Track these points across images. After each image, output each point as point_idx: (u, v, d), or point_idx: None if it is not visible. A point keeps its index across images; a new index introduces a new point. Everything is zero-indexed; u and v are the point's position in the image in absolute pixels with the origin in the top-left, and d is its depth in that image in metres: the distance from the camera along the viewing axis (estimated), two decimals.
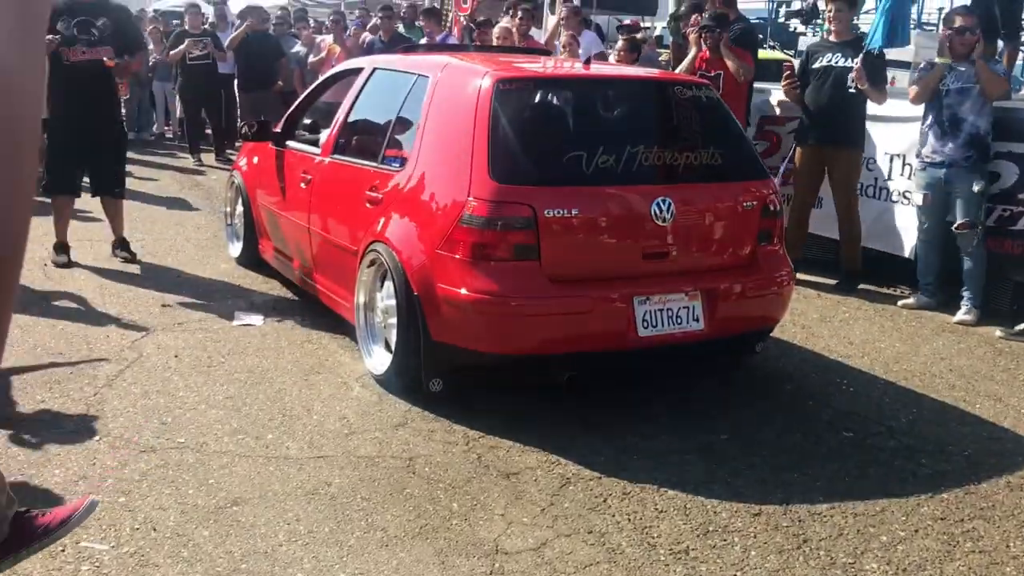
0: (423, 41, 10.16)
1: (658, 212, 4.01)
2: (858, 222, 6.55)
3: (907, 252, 6.52)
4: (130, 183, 9.90)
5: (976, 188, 5.77)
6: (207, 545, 2.96)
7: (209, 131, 12.04)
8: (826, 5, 6.84)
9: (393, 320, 4.23)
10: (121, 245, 6.60)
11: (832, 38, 6.73)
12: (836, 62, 6.43)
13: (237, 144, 9.35)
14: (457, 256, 3.93)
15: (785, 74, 6.58)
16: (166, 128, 13.93)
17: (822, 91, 6.46)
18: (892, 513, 3.36)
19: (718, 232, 4.25)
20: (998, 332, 5.64)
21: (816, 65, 6.51)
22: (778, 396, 4.49)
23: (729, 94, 6.37)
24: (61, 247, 6.36)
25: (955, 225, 5.88)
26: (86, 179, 6.53)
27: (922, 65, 6.18)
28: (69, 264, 6.28)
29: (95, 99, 6.19)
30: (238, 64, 11.05)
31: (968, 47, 5.81)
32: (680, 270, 4.12)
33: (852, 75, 6.28)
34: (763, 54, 10.01)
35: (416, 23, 11.52)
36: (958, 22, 5.90)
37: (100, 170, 6.47)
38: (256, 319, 5.33)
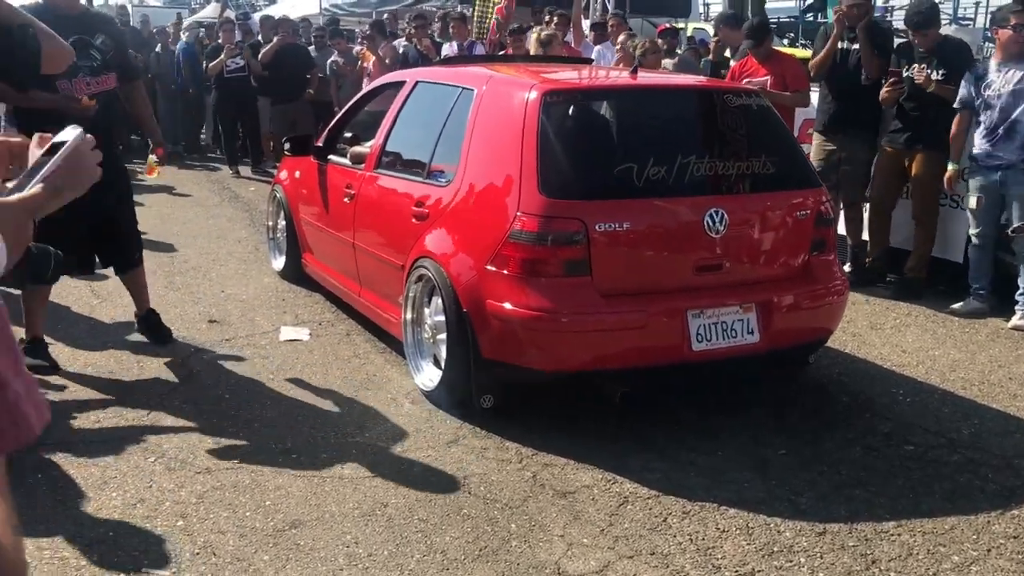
0: (446, 48, 10.13)
1: (711, 224, 3.95)
2: (933, 229, 6.41)
3: (956, 256, 6.40)
4: (170, 197, 10.04)
5: None
6: (268, 570, 2.94)
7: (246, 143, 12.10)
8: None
9: (442, 336, 4.20)
10: (147, 322, 5.11)
11: (920, 48, 6.43)
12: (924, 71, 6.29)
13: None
14: (507, 272, 3.90)
15: (892, 80, 6.32)
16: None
17: (910, 99, 6.32)
18: (962, 531, 3.27)
19: (771, 242, 4.18)
20: None
21: (907, 73, 6.35)
22: (834, 409, 4.41)
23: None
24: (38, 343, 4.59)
25: (1011, 229, 5.76)
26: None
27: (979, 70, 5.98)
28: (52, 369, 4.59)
29: (104, 144, 4.40)
30: (269, 76, 11.08)
31: (1020, 46, 5.67)
32: (734, 282, 4.06)
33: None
34: (800, 53, 9.91)
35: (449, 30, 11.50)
36: (1012, 20, 5.77)
37: (118, 239, 4.90)
38: (303, 334, 5.33)
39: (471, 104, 4.42)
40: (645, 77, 4.62)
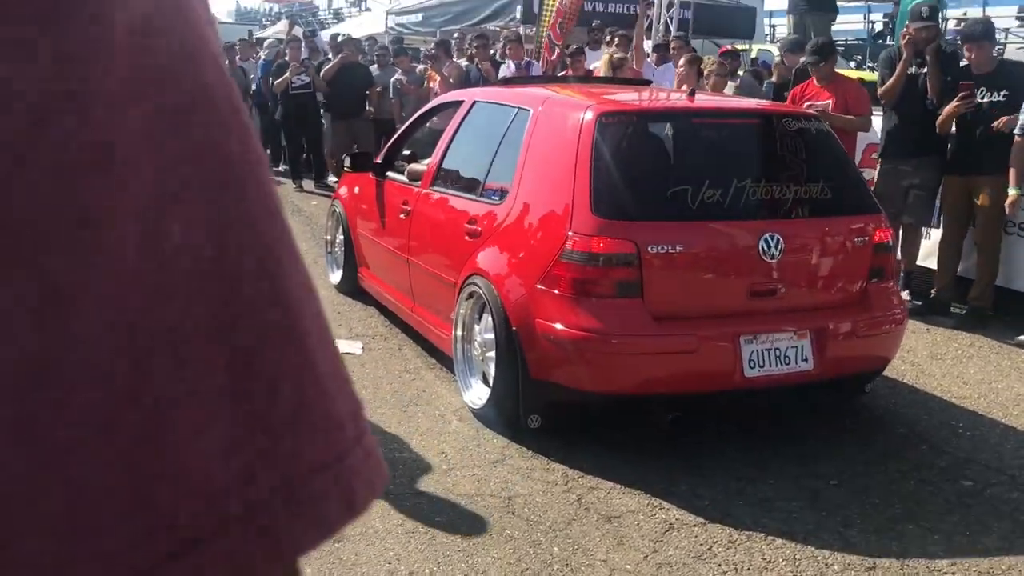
0: (503, 69, 10.18)
1: (766, 248, 3.90)
2: (997, 257, 6.25)
3: (1023, 286, 6.22)
4: None
5: None
6: None
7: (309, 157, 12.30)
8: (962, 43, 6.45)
9: (491, 353, 4.20)
10: None
11: (974, 65, 6.28)
12: (983, 97, 6.14)
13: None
14: (557, 292, 3.89)
15: (963, 94, 6.12)
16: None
17: (974, 123, 6.17)
18: (1020, 572, 3.16)
19: (828, 268, 4.11)
20: None
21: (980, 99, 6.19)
22: (889, 440, 4.30)
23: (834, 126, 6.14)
24: None
25: None
26: None
27: None
28: None
29: None
30: (331, 93, 11.28)
31: None
32: (788, 308, 4.00)
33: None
34: (868, 76, 9.75)
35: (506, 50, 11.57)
36: None
37: None
38: (355, 347, 5.38)
39: (527, 124, 4.44)
40: (702, 100, 4.60)
